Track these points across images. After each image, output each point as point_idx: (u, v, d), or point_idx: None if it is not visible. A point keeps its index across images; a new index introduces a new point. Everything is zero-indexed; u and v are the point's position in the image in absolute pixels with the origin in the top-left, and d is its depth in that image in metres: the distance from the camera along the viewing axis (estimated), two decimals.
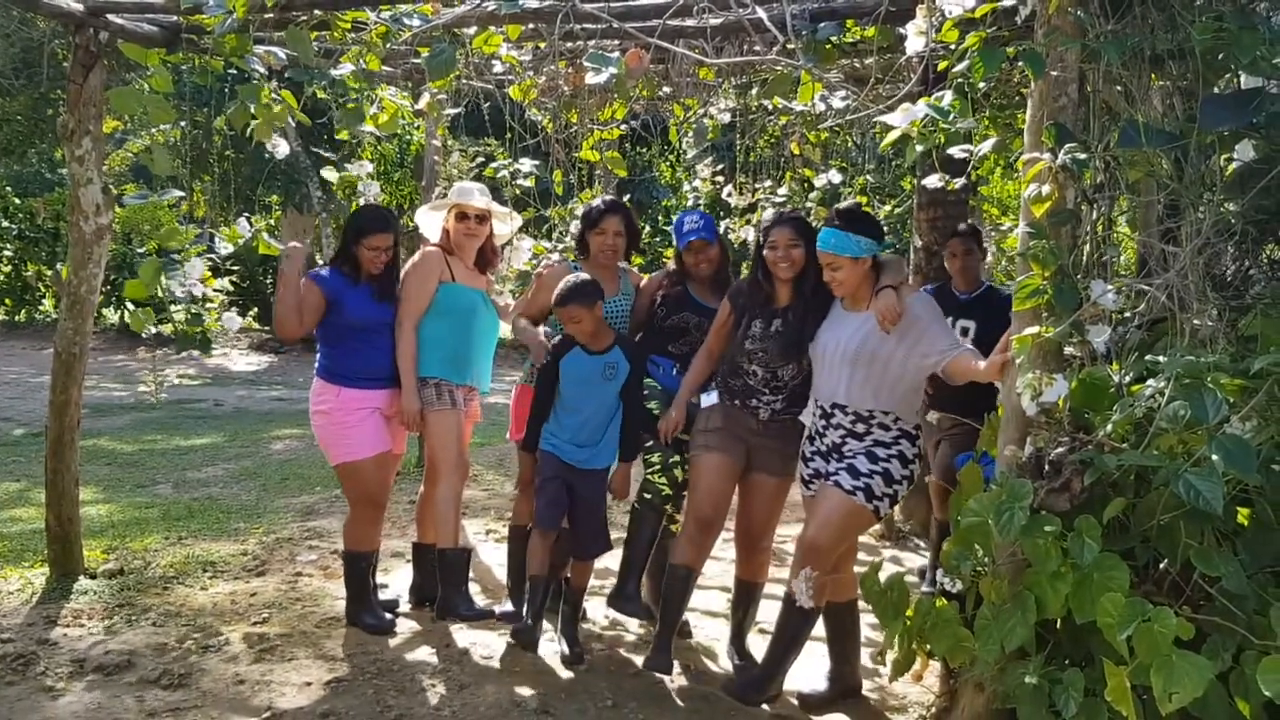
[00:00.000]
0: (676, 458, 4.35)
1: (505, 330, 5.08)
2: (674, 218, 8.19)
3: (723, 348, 4.22)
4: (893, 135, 3.56)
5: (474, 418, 4.93)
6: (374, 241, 4.59)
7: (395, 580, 5.37)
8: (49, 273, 20.62)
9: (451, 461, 4.59)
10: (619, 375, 4.36)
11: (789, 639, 3.91)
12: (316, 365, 4.69)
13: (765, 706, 4.00)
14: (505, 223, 4.99)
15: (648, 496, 4.38)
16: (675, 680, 4.23)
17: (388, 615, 4.73)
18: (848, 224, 3.75)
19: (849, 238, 3.73)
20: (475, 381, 4.77)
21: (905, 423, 3.84)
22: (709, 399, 4.22)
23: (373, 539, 4.72)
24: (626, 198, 10.85)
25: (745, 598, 4.40)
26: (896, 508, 6.62)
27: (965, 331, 4.99)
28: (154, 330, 5.00)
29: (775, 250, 4.01)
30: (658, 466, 4.37)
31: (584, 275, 4.42)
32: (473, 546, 6.06)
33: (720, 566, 5.21)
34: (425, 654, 4.44)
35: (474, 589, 5.29)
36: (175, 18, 4.71)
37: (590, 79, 4.28)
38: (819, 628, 4.06)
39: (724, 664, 4.44)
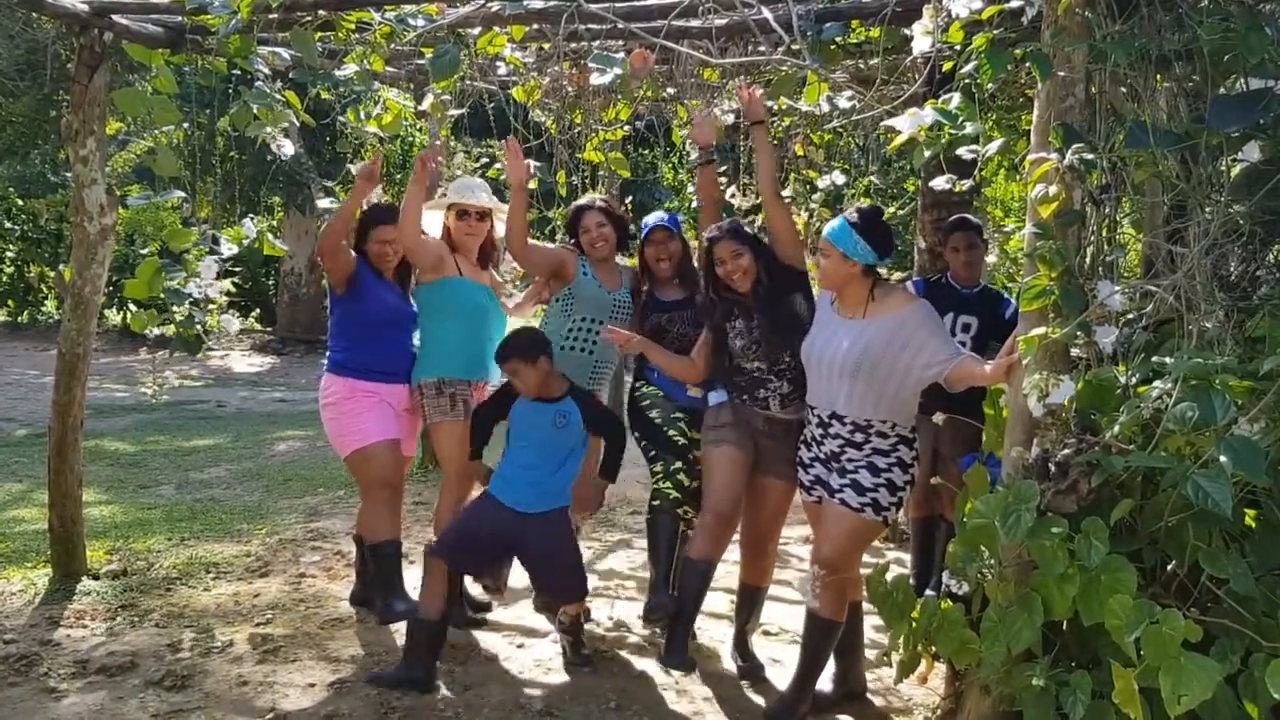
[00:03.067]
0: (679, 464, 4.32)
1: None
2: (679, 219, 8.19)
3: (708, 365, 4.21)
4: (900, 139, 3.55)
5: None
6: (382, 234, 4.66)
7: None
8: (52, 274, 20.65)
9: (457, 473, 4.58)
10: (571, 424, 4.19)
11: (813, 655, 3.89)
12: (327, 360, 4.69)
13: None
14: (503, 220, 4.97)
15: (656, 504, 4.35)
16: (679, 682, 4.22)
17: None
18: (860, 224, 3.72)
19: (850, 235, 3.71)
20: (488, 376, 4.77)
21: (902, 428, 3.84)
22: (717, 397, 4.21)
23: (394, 525, 4.57)
24: (629, 199, 10.82)
25: (749, 601, 4.40)
26: (901, 510, 6.66)
27: (967, 328, 4.96)
28: (156, 331, 4.98)
29: (724, 265, 4.08)
30: (661, 474, 4.35)
31: (531, 327, 4.46)
32: None
33: (724, 569, 5.20)
34: None
35: (475, 590, 5.29)
36: (180, 19, 4.71)
37: (595, 80, 4.28)
38: None
39: (728, 665, 4.43)
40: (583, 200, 4.87)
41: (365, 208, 4.83)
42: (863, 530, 3.80)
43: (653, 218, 4.63)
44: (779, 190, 4.22)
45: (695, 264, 4.60)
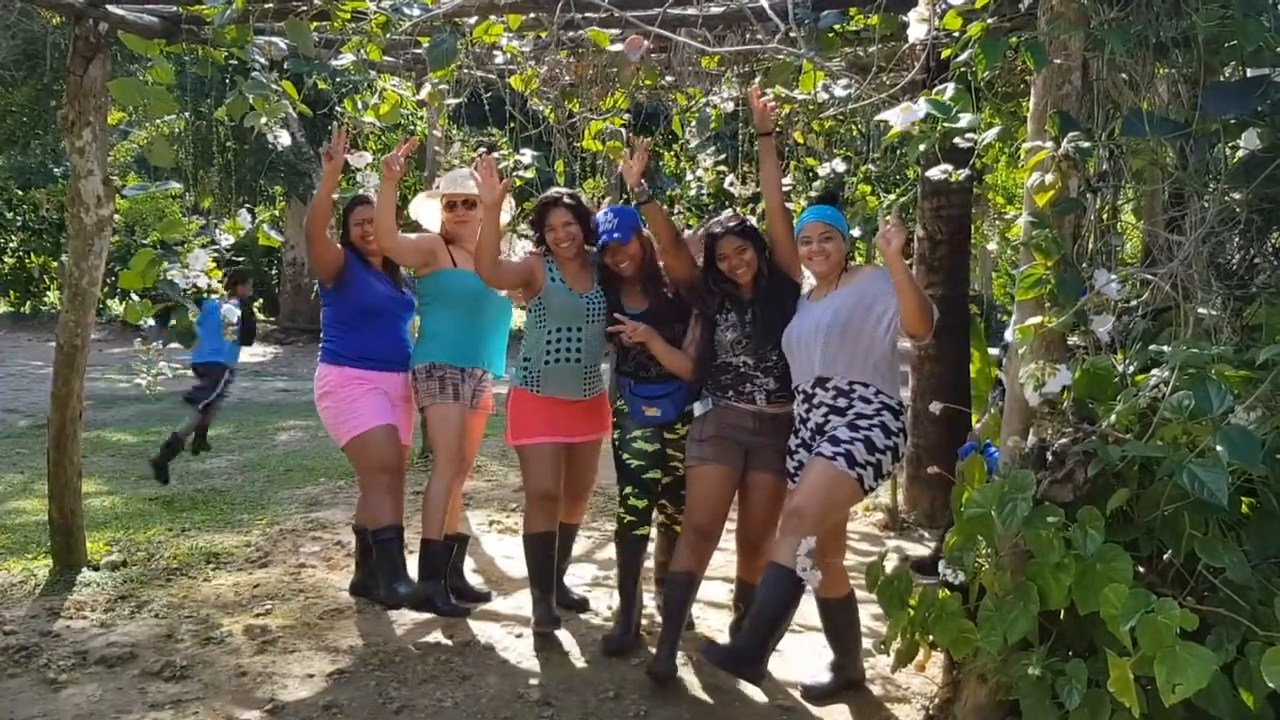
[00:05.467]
0: (630, 489, 4.39)
1: (518, 318, 5.07)
2: (676, 208, 8.14)
3: (703, 358, 4.22)
4: (894, 131, 3.53)
5: (486, 408, 4.91)
6: (360, 215, 4.74)
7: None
8: (54, 264, 20.69)
9: (446, 455, 4.58)
10: None
11: (775, 611, 3.69)
12: (321, 351, 4.71)
13: (765, 697, 3.99)
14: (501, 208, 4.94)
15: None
16: (678, 671, 4.22)
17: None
18: (838, 206, 4.02)
19: (842, 217, 3.98)
20: (486, 364, 4.76)
21: (887, 396, 3.85)
22: (702, 407, 4.21)
23: (396, 510, 4.58)
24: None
25: (747, 597, 4.38)
26: (900, 498, 6.67)
27: None
28: (150, 322, 4.99)
29: (727, 260, 4.14)
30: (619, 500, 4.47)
31: None
32: (469, 536, 6.06)
33: (723, 558, 5.20)
34: (428, 645, 4.44)
35: (476, 580, 5.30)
36: (175, 8, 4.69)
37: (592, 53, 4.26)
38: (816, 618, 4.05)
39: None
40: (548, 195, 4.59)
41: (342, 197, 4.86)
42: (833, 482, 3.70)
43: (604, 225, 4.38)
44: (784, 203, 4.22)
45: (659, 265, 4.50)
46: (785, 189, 7.21)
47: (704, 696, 4.04)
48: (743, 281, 4.15)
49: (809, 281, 4.18)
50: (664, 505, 4.60)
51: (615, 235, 4.33)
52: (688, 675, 4.22)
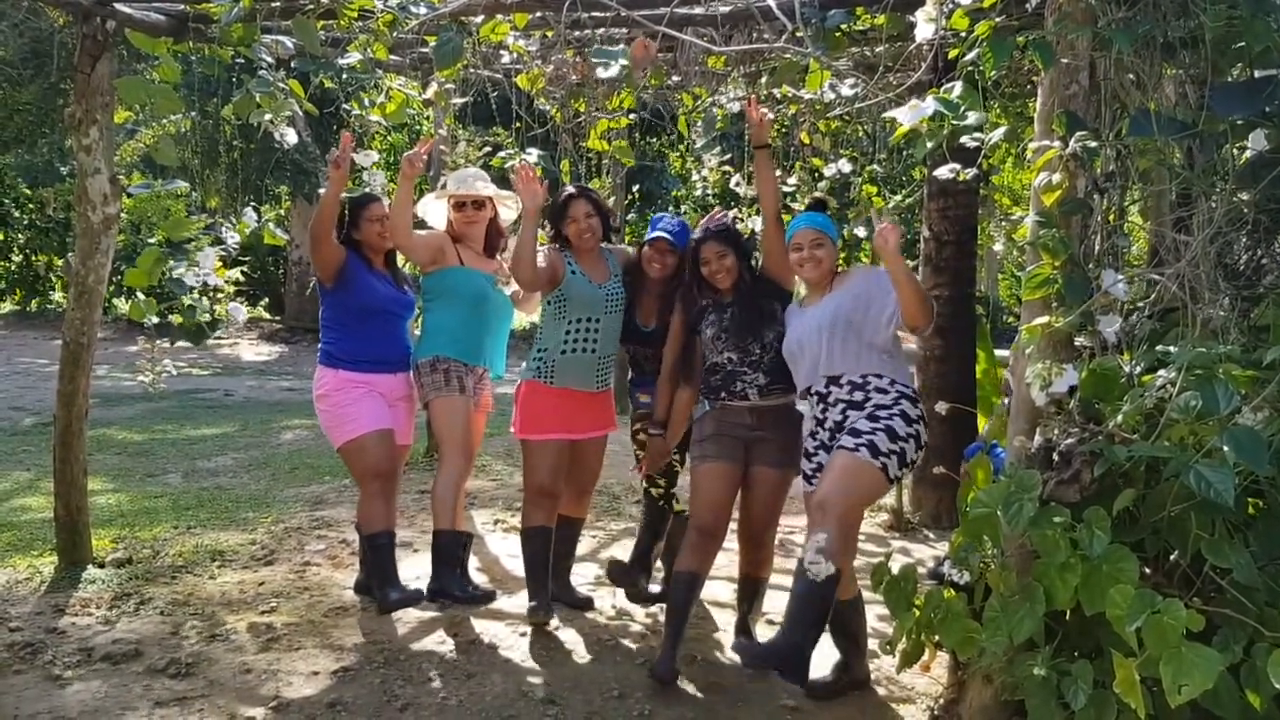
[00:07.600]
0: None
1: (519, 318, 5.08)
2: (682, 208, 8.13)
3: (693, 364, 4.32)
4: (902, 130, 3.53)
5: (486, 407, 4.92)
6: (373, 212, 4.71)
7: (402, 570, 5.34)
8: (60, 262, 20.72)
9: (453, 447, 4.59)
10: None
11: (807, 604, 3.60)
12: (319, 353, 4.71)
13: (769, 697, 3.98)
14: (508, 206, 4.97)
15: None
16: (682, 670, 4.22)
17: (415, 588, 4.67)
18: (828, 213, 4.08)
19: (832, 224, 4.02)
20: (488, 363, 4.77)
21: (903, 384, 3.86)
22: (699, 409, 4.29)
23: (388, 516, 4.63)
24: (635, 187, 10.79)
25: (750, 592, 4.40)
26: (905, 498, 6.66)
27: None
28: (154, 320, 5.00)
29: (709, 265, 4.20)
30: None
31: None
32: (474, 535, 6.06)
33: (727, 558, 5.20)
34: (433, 644, 4.44)
35: (480, 579, 5.30)
36: (182, 7, 4.70)
37: (601, 74, 4.27)
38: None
39: (730, 655, 4.43)
40: (569, 189, 4.73)
41: (350, 196, 4.84)
42: (858, 472, 3.66)
43: (666, 222, 4.61)
44: (780, 214, 4.28)
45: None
46: (790, 190, 7.24)
47: (708, 696, 4.04)
48: (722, 287, 4.21)
49: (799, 291, 4.22)
50: (657, 481, 4.76)
51: (669, 236, 4.50)
52: (691, 674, 4.22)
